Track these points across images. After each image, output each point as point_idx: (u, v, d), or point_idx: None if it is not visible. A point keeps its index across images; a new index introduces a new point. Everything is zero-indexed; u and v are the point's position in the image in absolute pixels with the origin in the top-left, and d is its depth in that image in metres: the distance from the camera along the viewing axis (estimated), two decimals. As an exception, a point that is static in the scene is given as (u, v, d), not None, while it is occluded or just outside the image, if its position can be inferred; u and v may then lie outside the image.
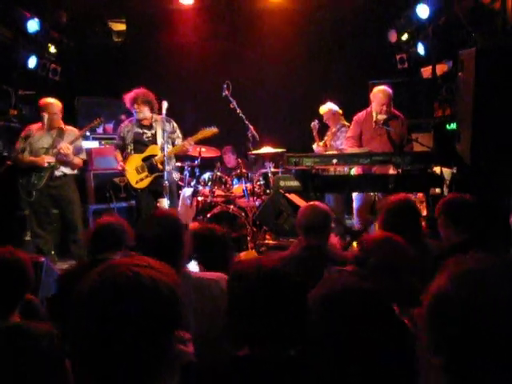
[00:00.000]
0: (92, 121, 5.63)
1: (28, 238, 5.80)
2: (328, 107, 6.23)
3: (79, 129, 5.72)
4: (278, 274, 1.66)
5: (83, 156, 5.59)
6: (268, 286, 1.60)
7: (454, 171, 5.30)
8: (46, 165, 5.25)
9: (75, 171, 5.56)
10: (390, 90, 5.21)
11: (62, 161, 5.32)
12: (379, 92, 5.18)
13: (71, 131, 5.51)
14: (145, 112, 5.45)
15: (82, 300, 1.07)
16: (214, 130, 5.47)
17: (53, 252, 6.01)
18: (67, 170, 5.43)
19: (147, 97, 5.46)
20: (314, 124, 6.04)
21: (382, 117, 5.09)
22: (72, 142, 5.35)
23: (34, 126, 5.43)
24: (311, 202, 3.20)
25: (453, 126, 5.84)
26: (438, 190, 4.99)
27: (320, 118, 6.27)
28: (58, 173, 5.35)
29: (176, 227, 2.45)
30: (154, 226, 2.40)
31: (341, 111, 6.28)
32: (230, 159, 7.44)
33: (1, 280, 2.01)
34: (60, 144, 5.29)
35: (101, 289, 1.06)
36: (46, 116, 5.28)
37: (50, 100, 5.42)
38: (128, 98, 5.48)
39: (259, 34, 7.68)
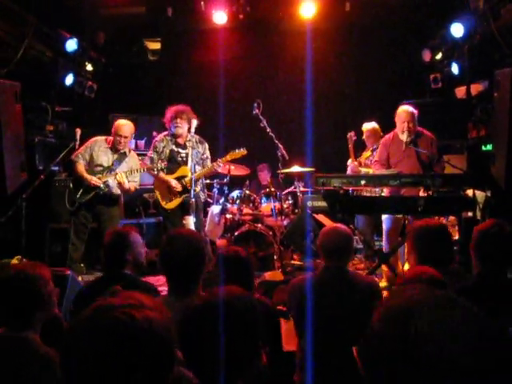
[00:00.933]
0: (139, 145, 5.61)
1: (58, 249, 5.91)
2: (372, 125, 6.14)
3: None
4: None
5: (136, 185, 5.48)
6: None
7: (489, 194, 5.15)
8: (91, 186, 5.29)
9: (119, 191, 5.52)
10: (412, 109, 5.12)
11: (112, 186, 5.32)
12: (402, 111, 5.10)
13: (132, 157, 5.50)
14: (184, 128, 5.38)
15: (74, 345, 1.04)
16: (242, 151, 5.48)
17: (82, 265, 6.14)
18: (113, 192, 5.43)
19: (191, 115, 5.42)
20: (351, 135, 5.90)
21: (405, 136, 4.98)
22: (131, 172, 5.32)
23: (102, 139, 5.45)
24: (333, 224, 3.15)
25: (488, 147, 5.69)
26: (470, 214, 4.83)
27: (359, 133, 6.17)
28: (102, 192, 5.38)
29: (197, 246, 2.47)
30: (177, 245, 2.44)
31: (381, 133, 6.19)
32: (266, 177, 7.42)
33: (10, 296, 2.03)
34: (117, 170, 5.26)
35: (94, 336, 1.02)
36: (78, 132, 5.36)
37: (122, 122, 5.40)
38: (173, 110, 5.39)
39: (291, 53, 7.72)
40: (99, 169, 5.36)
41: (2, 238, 5.77)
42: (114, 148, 5.40)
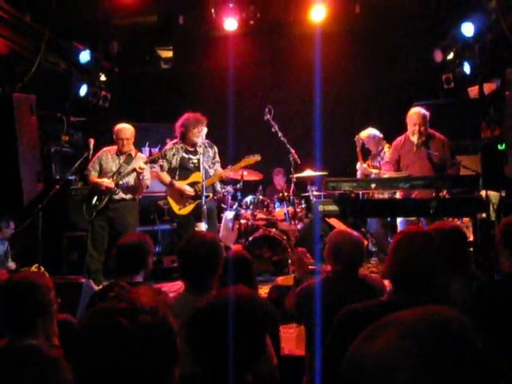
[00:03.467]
0: (141, 152, 5.76)
1: (74, 257, 6.01)
2: (368, 132, 6.14)
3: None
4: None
5: (148, 182, 5.61)
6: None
7: (503, 194, 5.09)
8: (103, 188, 5.41)
9: (135, 196, 5.62)
10: (424, 111, 5.09)
11: (123, 188, 5.46)
12: (413, 113, 5.08)
13: (139, 158, 5.61)
14: (203, 135, 5.35)
15: (78, 348, 1.09)
16: (257, 157, 5.50)
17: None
18: (125, 195, 5.53)
19: (205, 124, 5.45)
20: (358, 137, 5.83)
21: (416, 138, 4.96)
22: (145, 162, 5.41)
23: (109, 149, 5.61)
24: (342, 229, 3.14)
25: (503, 146, 5.62)
26: (484, 215, 4.78)
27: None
28: (116, 197, 5.48)
29: (213, 245, 2.56)
30: (195, 244, 2.54)
31: (381, 135, 6.17)
32: (281, 181, 7.44)
33: (11, 303, 2.07)
34: (128, 168, 5.42)
35: (90, 342, 1.07)
36: (91, 142, 5.48)
37: (121, 125, 5.56)
38: (194, 118, 5.38)
39: (301, 57, 7.73)
40: (109, 175, 5.51)
41: (21, 247, 5.91)
42: (120, 152, 5.55)
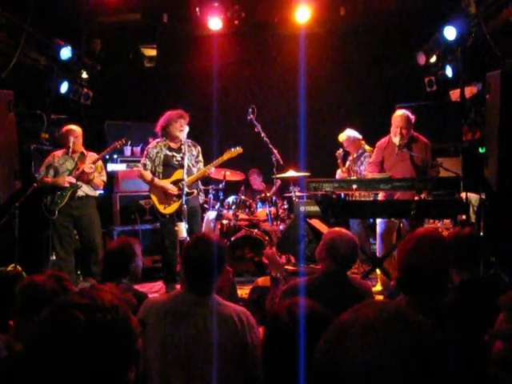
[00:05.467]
0: (124, 151, 5.86)
1: (54, 258, 5.92)
2: (346, 134, 6.22)
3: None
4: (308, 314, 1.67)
5: (104, 178, 5.85)
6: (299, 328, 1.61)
7: (483, 197, 5.13)
8: (67, 185, 5.53)
9: (96, 193, 5.82)
10: (408, 113, 5.13)
11: (84, 181, 5.59)
12: (397, 115, 5.12)
13: (92, 156, 5.80)
14: (185, 132, 5.36)
15: (35, 343, 1.07)
16: (239, 150, 5.51)
17: (79, 272, 6.16)
18: (89, 191, 5.67)
19: (188, 119, 5.47)
20: (339, 153, 6.11)
21: (397, 139, 5.00)
22: (93, 162, 5.64)
23: (58, 152, 5.78)
24: (337, 229, 3.12)
25: (484, 149, 5.68)
26: (464, 217, 4.82)
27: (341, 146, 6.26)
28: (79, 193, 5.61)
29: (220, 250, 2.52)
30: (201, 248, 2.48)
31: (361, 137, 6.23)
32: (256, 181, 7.46)
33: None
34: (82, 166, 5.57)
35: (49, 335, 1.06)
36: (71, 139, 5.49)
37: (72, 126, 5.78)
38: (175, 113, 5.40)
39: (286, 58, 7.73)
40: (67, 173, 5.62)
41: (-2, 246, 5.79)
42: (71, 151, 5.69)
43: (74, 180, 5.55)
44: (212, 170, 5.52)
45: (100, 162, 5.86)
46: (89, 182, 5.64)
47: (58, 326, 1.05)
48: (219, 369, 2.24)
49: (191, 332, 2.29)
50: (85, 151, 5.82)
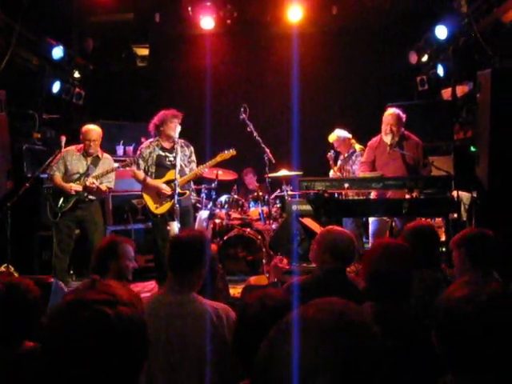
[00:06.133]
0: (116, 150, 5.76)
1: (47, 257, 5.90)
2: (336, 134, 6.24)
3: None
4: (281, 306, 1.66)
5: (111, 185, 5.62)
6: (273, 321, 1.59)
7: (474, 195, 5.16)
8: (73, 193, 5.36)
9: (101, 197, 5.67)
10: (398, 112, 5.16)
11: (89, 190, 5.40)
12: (387, 114, 5.16)
13: (106, 159, 5.62)
14: (178, 131, 5.31)
15: (51, 341, 1.07)
16: (232, 152, 5.51)
17: (72, 271, 6.15)
18: (92, 197, 5.51)
19: (181, 119, 5.44)
20: (330, 155, 6.11)
21: (389, 138, 5.03)
22: (102, 174, 5.45)
23: (72, 148, 5.53)
24: (334, 227, 3.13)
25: (475, 148, 5.71)
26: (455, 215, 4.85)
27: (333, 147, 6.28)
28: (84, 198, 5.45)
29: (203, 246, 2.53)
30: (183, 247, 2.50)
31: (350, 136, 6.25)
32: (252, 181, 7.46)
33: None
34: (89, 178, 5.38)
35: (67, 334, 1.05)
36: (63, 140, 5.38)
37: (89, 127, 5.52)
38: (170, 113, 5.38)
39: (278, 57, 7.74)
40: (76, 176, 5.44)
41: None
42: (86, 153, 5.49)
43: (80, 188, 5.35)
44: (205, 171, 5.52)
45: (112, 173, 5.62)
46: (93, 193, 5.45)
47: (84, 322, 1.04)
48: (200, 367, 2.24)
49: (171, 332, 2.30)
50: (100, 154, 5.57)
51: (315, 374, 0.79)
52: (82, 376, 1.02)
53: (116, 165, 5.65)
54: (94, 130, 5.48)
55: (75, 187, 5.34)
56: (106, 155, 5.68)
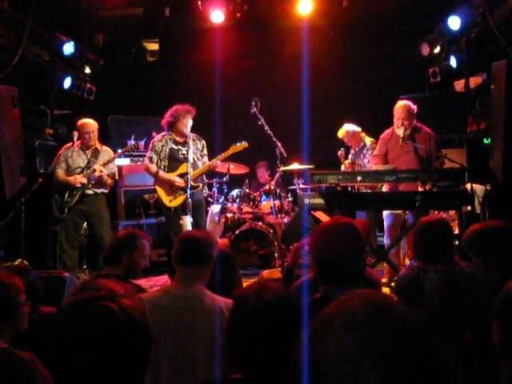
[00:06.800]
0: (127, 145, 5.85)
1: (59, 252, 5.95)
2: (345, 129, 6.17)
3: (113, 148, 5.94)
4: (278, 301, 1.64)
5: (115, 176, 5.75)
6: (268, 314, 1.58)
7: (488, 188, 5.12)
8: (78, 185, 5.44)
9: (105, 190, 5.73)
10: (410, 104, 5.11)
11: (95, 181, 5.48)
12: (398, 107, 5.11)
13: (106, 151, 5.72)
14: (189, 127, 5.35)
15: (59, 340, 1.09)
16: (244, 144, 5.52)
17: (85, 266, 6.20)
18: (98, 190, 5.59)
19: (194, 114, 5.46)
20: (341, 153, 6.03)
21: (401, 131, 4.98)
22: (105, 164, 5.53)
23: (71, 145, 5.63)
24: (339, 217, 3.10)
25: (489, 140, 5.65)
26: (469, 208, 4.80)
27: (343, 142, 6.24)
28: (88, 191, 5.53)
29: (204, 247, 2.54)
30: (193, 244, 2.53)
31: (360, 129, 6.19)
32: (264, 175, 7.43)
33: None
34: (94, 166, 5.48)
35: (75, 331, 1.07)
36: (76, 135, 5.46)
37: (85, 120, 5.65)
38: (183, 108, 5.40)
39: (288, 50, 7.70)
40: (78, 170, 5.54)
41: (4, 241, 5.82)
42: (85, 146, 5.61)
43: (85, 180, 5.44)
44: (218, 164, 5.52)
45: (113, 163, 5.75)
46: (99, 184, 5.54)
47: (96, 317, 1.06)
48: (209, 359, 2.25)
49: (180, 325, 2.30)
50: (99, 147, 5.69)
51: (363, 370, 0.75)
52: (94, 370, 1.04)
53: (119, 150, 5.82)
54: (89, 122, 5.63)
55: (80, 179, 5.43)
56: (105, 147, 5.78)
